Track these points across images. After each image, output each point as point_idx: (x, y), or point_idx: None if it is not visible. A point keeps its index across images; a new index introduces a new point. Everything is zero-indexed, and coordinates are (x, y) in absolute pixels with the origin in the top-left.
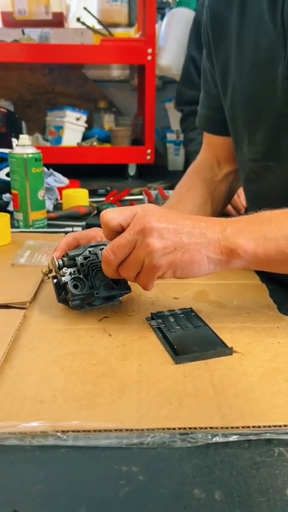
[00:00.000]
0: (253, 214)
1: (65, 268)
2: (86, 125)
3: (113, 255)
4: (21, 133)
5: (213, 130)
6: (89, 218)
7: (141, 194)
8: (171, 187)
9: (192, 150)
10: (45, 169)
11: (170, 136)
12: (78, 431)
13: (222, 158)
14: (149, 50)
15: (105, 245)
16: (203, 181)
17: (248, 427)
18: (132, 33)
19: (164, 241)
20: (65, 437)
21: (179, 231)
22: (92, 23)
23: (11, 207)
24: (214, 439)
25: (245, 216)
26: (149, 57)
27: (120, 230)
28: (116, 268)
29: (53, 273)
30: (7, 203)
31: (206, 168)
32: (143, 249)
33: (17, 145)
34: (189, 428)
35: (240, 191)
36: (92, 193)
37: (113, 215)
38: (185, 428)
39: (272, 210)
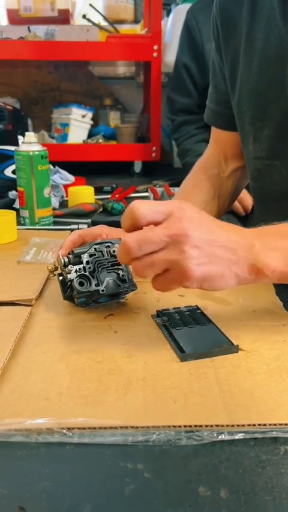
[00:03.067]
0: (279, 225)
1: (70, 265)
2: (91, 122)
3: (138, 248)
4: (27, 130)
5: (221, 125)
6: (95, 215)
7: (146, 191)
8: (177, 185)
9: (190, 161)
10: (51, 166)
11: None
12: (84, 428)
13: (230, 154)
14: (155, 47)
15: (111, 242)
16: (210, 177)
17: (254, 425)
18: (138, 29)
19: (199, 251)
20: (71, 434)
21: (214, 243)
22: (98, 19)
23: (17, 205)
24: (220, 437)
25: (269, 227)
26: (155, 54)
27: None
28: (133, 260)
29: (59, 271)
30: (13, 200)
31: (212, 164)
32: (177, 254)
33: (23, 142)
34: (195, 426)
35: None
36: (98, 191)
37: (144, 212)
38: (190, 426)
39: (278, 207)
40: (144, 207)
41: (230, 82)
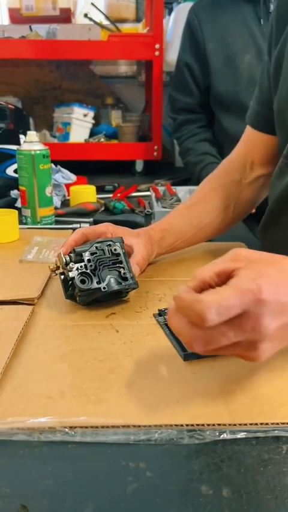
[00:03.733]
0: None
1: (72, 263)
2: (93, 121)
3: (217, 317)
4: (29, 129)
5: (258, 126)
6: (97, 214)
7: (148, 190)
8: (179, 184)
9: (191, 160)
10: (53, 165)
11: None
12: (86, 427)
13: (258, 159)
14: (157, 46)
15: (112, 241)
16: (230, 182)
17: (256, 424)
18: (140, 28)
19: (272, 344)
20: (73, 433)
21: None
22: (100, 18)
23: (18, 204)
24: (222, 435)
25: None
26: (157, 53)
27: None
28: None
29: (60, 270)
30: (15, 200)
31: (236, 168)
32: (250, 351)
33: (24, 141)
34: (197, 425)
35: None
36: (100, 190)
37: (213, 318)
38: (192, 425)
39: None
40: (214, 310)
41: (273, 79)
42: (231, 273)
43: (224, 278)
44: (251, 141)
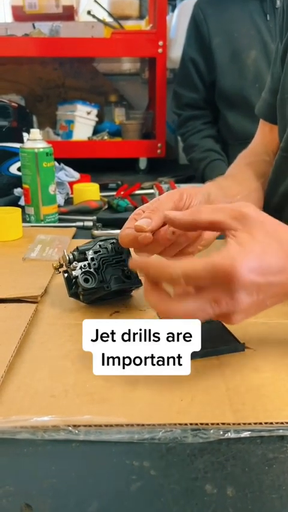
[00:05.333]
0: None
1: (75, 262)
2: (96, 119)
3: (184, 282)
4: (32, 127)
5: (271, 119)
6: (100, 212)
7: (152, 188)
8: (183, 181)
9: (196, 157)
10: (56, 163)
11: None
12: (90, 425)
13: (276, 151)
14: (160, 43)
15: (116, 239)
16: (261, 160)
17: (261, 423)
18: (143, 25)
19: (251, 303)
20: (77, 431)
21: (269, 288)
22: (103, 15)
23: (22, 202)
24: (226, 434)
25: None
26: (160, 50)
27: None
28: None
29: (64, 268)
30: (18, 198)
31: (262, 151)
32: (226, 305)
33: (28, 139)
34: (201, 424)
35: None
36: (103, 188)
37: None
38: (196, 424)
39: None
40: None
41: (280, 68)
42: (224, 230)
43: (217, 229)
44: (266, 135)
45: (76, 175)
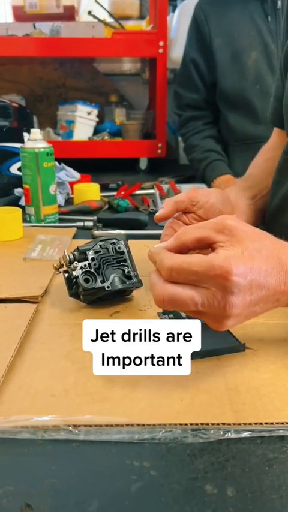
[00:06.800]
0: None
1: (75, 262)
2: (97, 119)
3: (176, 275)
4: (33, 127)
5: (280, 125)
6: (101, 213)
7: (152, 188)
8: (183, 181)
9: (196, 157)
10: (57, 163)
11: None
12: (90, 425)
13: None
14: (161, 43)
15: (117, 239)
16: (278, 156)
17: (261, 423)
18: (144, 25)
19: (242, 309)
20: (77, 431)
21: (259, 300)
22: (103, 16)
23: (22, 202)
24: (226, 435)
25: None
26: (161, 50)
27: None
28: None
29: (64, 268)
30: (19, 198)
31: (279, 146)
32: (218, 306)
33: (28, 139)
34: (201, 424)
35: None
36: (104, 188)
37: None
38: (197, 424)
39: None
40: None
41: (284, 70)
42: (211, 244)
43: (204, 245)
44: (281, 140)
45: (76, 175)
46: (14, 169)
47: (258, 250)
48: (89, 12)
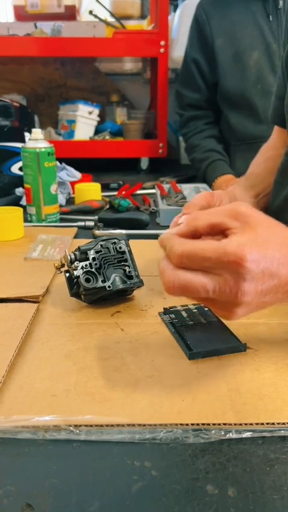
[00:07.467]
0: None
1: (76, 262)
2: (98, 119)
3: (187, 262)
4: (34, 127)
5: (282, 124)
6: (102, 212)
7: (153, 188)
8: (184, 181)
9: (197, 157)
10: (58, 163)
11: None
12: (91, 425)
13: None
14: (162, 42)
15: (118, 239)
16: (280, 155)
17: (262, 423)
18: (145, 25)
19: (252, 302)
20: (78, 431)
21: (269, 291)
22: (105, 15)
23: (23, 202)
24: (227, 435)
25: None
26: (162, 50)
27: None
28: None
29: (65, 267)
30: (20, 197)
31: (279, 145)
32: (229, 293)
33: (29, 139)
34: (203, 424)
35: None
36: (105, 188)
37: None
38: (198, 424)
39: None
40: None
41: (286, 69)
42: (224, 231)
43: (217, 232)
44: (282, 139)
45: (78, 175)
46: (15, 169)
47: (272, 238)
48: (90, 12)
